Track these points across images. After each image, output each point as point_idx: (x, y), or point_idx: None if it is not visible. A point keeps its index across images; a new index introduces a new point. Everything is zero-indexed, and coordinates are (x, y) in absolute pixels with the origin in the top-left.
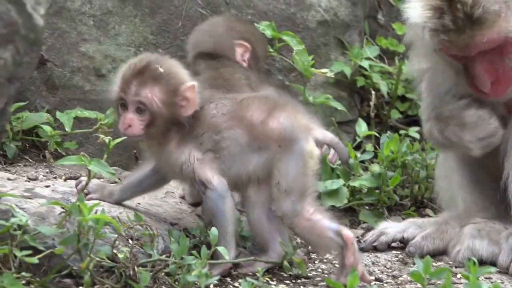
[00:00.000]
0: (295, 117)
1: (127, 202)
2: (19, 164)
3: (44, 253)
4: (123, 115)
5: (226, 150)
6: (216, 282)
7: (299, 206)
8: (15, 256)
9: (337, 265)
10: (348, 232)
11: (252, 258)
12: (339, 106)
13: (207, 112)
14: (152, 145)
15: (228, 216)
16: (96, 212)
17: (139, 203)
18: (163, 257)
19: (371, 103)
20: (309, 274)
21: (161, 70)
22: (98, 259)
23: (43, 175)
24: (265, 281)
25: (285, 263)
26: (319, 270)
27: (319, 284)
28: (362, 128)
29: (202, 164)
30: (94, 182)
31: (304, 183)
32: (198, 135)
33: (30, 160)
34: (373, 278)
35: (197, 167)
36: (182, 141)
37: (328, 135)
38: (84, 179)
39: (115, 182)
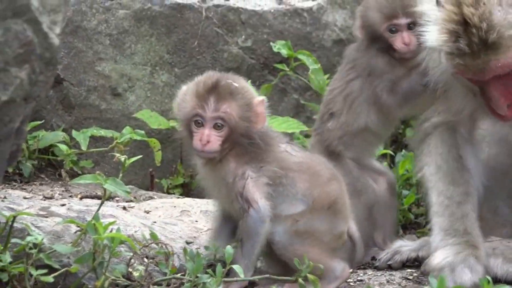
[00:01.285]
0: (345, 193)
1: (143, 220)
2: (35, 182)
3: (59, 272)
4: (199, 131)
5: (283, 187)
6: None
7: None
8: (31, 275)
9: (351, 284)
10: None
11: (267, 275)
12: None
13: (275, 146)
14: (210, 163)
15: (261, 239)
16: (111, 231)
17: (154, 222)
18: (178, 275)
19: None
20: None
21: (236, 85)
22: (113, 277)
23: (59, 194)
24: None
25: (300, 281)
26: None
27: None
28: None
29: (255, 183)
30: None
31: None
32: (260, 160)
33: (46, 178)
34: None
35: (249, 184)
36: (240, 160)
37: (356, 232)
38: None
39: (131, 201)
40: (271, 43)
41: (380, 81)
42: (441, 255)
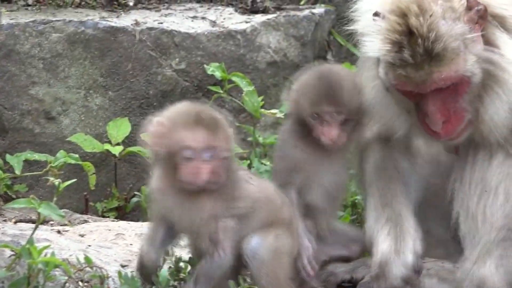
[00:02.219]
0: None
1: (78, 244)
2: None
3: None
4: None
5: (248, 220)
6: None
7: None
8: None
9: None
10: None
11: None
12: None
13: (240, 177)
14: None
15: (214, 282)
16: (46, 255)
17: (89, 245)
18: None
19: None
20: None
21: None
22: None
23: None
24: None
25: None
26: None
27: None
28: None
29: (225, 229)
30: None
31: None
32: (231, 198)
33: None
34: None
35: (219, 229)
36: (214, 195)
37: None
38: None
39: (65, 225)
40: (205, 66)
41: None
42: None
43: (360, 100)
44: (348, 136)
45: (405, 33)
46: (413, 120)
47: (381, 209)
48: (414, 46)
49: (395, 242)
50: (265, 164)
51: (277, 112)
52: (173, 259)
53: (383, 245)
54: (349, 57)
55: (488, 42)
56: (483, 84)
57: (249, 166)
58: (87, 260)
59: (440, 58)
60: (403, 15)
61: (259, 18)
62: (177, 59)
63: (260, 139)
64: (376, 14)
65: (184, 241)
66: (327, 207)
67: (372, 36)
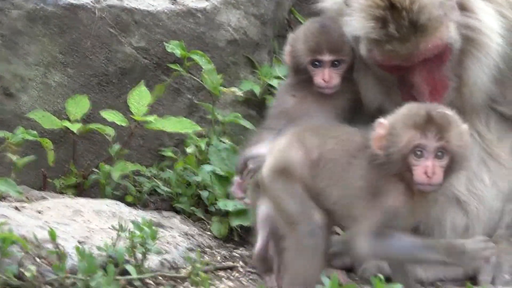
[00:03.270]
0: None
1: (35, 221)
2: None
3: None
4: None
5: None
6: None
7: None
8: None
9: (244, 282)
10: None
11: (159, 273)
12: (248, 125)
13: None
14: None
15: None
16: (3, 231)
17: (47, 222)
18: (71, 275)
19: None
20: None
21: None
22: (5, 277)
23: None
24: None
25: (193, 278)
26: (227, 287)
27: None
28: None
29: None
30: None
31: None
32: None
33: None
34: None
35: None
36: None
37: None
38: None
39: (23, 201)
40: (165, 43)
41: None
42: None
43: (349, 43)
44: (342, 80)
45: (388, 8)
46: (391, 95)
47: None
48: (399, 20)
49: None
50: (224, 142)
51: (236, 90)
52: (129, 235)
53: None
54: None
55: (463, 7)
56: (463, 50)
57: (208, 144)
58: (52, 234)
59: (425, 28)
60: None
61: None
62: (136, 37)
63: (219, 117)
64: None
65: None
66: None
67: (355, 14)
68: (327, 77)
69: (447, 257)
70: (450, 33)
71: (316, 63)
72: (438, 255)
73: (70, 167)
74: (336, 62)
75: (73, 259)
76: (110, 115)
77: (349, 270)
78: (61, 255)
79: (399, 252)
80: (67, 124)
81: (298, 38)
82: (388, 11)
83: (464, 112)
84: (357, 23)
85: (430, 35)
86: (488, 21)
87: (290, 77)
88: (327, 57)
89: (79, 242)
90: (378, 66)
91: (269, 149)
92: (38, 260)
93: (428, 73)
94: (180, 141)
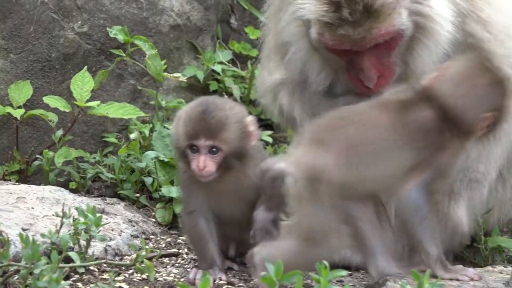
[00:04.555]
0: None
1: None
2: None
3: None
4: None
5: None
6: (68, 287)
7: None
8: None
9: (188, 269)
10: None
11: (103, 261)
12: None
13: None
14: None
15: None
16: None
17: None
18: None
19: None
20: (160, 279)
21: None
22: None
23: None
24: (117, 285)
25: (138, 265)
26: (172, 274)
27: (174, 287)
28: None
29: None
30: None
31: None
32: None
33: None
34: (225, 282)
35: None
36: None
37: None
38: None
39: None
40: (108, 29)
41: None
42: None
43: (240, 136)
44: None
45: None
46: (338, 79)
47: None
48: (352, 4)
49: None
50: (167, 128)
51: (179, 76)
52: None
53: None
54: (253, 21)
55: None
56: (413, 37)
57: (152, 130)
58: None
59: (378, 14)
60: None
61: None
62: (79, 22)
63: (163, 103)
64: None
65: None
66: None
67: None
68: (201, 164)
69: None
70: (402, 19)
71: (194, 147)
72: None
73: (13, 154)
74: (214, 149)
75: (16, 247)
76: (53, 101)
77: None
78: (5, 243)
79: None
80: (9, 110)
81: (180, 120)
82: None
83: None
84: (309, 6)
85: (382, 21)
86: (439, 8)
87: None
88: (203, 143)
89: (23, 229)
90: (328, 49)
91: (290, 163)
92: None
93: (377, 59)
94: (123, 127)
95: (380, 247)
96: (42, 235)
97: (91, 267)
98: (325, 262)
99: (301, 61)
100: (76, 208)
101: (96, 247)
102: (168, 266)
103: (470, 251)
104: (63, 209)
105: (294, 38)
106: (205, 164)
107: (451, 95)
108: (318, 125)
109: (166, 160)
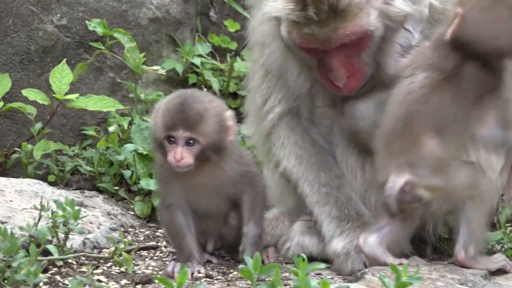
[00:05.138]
0: None
1: None
2: None
3: None
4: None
5: None
6: (46, 280)
7: None
8: None
9: (167, 262)
10: None
11: (81, 254)
12: None
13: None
14: None
15: None
16: None
17: None
18: None
19: None
20: (138, 271)
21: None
22: None
23: None
24: (95, 278)
25: (116, 258)
26: (150, 267)
27: (152, 280)
28: None
29: None
30: None
31: None
32: None
33: None
34: (203, 275)
35: None
36: None
37: None
38: None
39: None
40: (87, 22)
41: None
42: (340, 243)
43: (218, 129)
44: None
45: None
46: (314, 77)
47: (321, 194)
48: (319, 4)
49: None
50: (146, 121)
51: (158, 69)
52: (51, 215)
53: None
54: (232, 14)
55: None
56: (384, 38)
57: (131, 123)
58: None
59: (345, 14)
60: None
61: None
62: (58, 15)
63: (142, 96)
64: None
65: None
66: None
67: None
68: (178, 156)
69: None
70: (371, 20)
71: (171, 139)
72: None
73: None
74: (191, 141)
75: None
76: (32, 94)
77: None
78: None
79: None
80: None
81: (158, 112)
82: None
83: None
84: (277, 4)
85: (349, 21)
86: (408, 10)
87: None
88: (180, 134)
89: (1, 222)
90: (298, 47)
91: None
92: None
93: (346, 59)
94: (102, 120)
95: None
96: (21, 228)
97: (70, 260)
98: (303, 255)
99: (279, 62)
100: (55, 201)
101: (75, 240)
102: (146, 259)
103: (448, 244)
104: (41, 202)
105: (268, 38)
106: (182, 155)
107: (479, 28)
108: (391, 131)
109: (145, 153)
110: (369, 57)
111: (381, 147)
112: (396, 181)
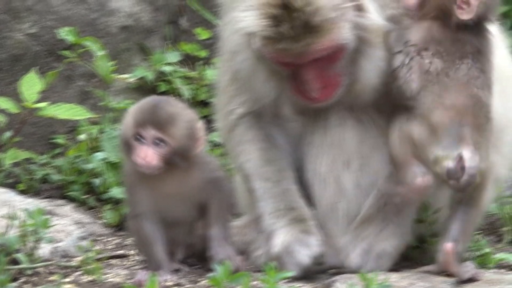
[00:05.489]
0: None
1: None
2: None
3: None
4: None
5: None
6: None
7: None
8: None
9: (137, 271)
10: None
11: (51, 263)
12: None
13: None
14: None
15: None
16: None
17: None
18: None
19: None
20: (108, 280)
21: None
22: None
23: None
24: (65, 287)
25: (85, 267)
26: (120, 276)
27: None
28: None
29: None
30: None
31: None
32: None
33: None
34: (172, 283)
35: None
36: None
37: None
38: None
39: None
40: (57, 30)
41: None
42: (277, 240)
43: (188, 135)
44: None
45: (283, 7)
46: (285, 88)
47: (274, 199)
48: (293, 20)
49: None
50: (116, 129)
51: (129, 77)
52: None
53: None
54: (202, 22)
55: (358, 8)
56: (357, 49)
57: (101, 131)
58: None
59: (319, 29)
60: None
61: None
62: (28, 23)
63: (112, 104)
64: None
65: None
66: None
67: (248, 11)
68: (144, 154)
69: None
70: (344, 34)
71: (139, 137)
72: None
73: None
74: (158, 141)
75: None
76: (1, 102)
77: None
78: None
79: None
80: None
81: (130, 112)
82: (283, 10)
83: (353, 108)
84: (251, 20)
85: (323, 36)
86: (381, 21)
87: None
88: (149, 133)
89: None
90: (271, 61)
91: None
92: None
93: (320, 71)
94: (72, 128)
95: None
96: None
97: (39, 269)
98: (273, 263)
99: (247, 72)
100: (25, 210)
101: (44, 249)
102: (116, 268)
103: (418, 252)
104: (11, 211)
105: (239, 48)
106: (149, 155)
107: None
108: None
109: (114, 161)
110: (343, 68)
111: (447, 124)
112: (475, 157)
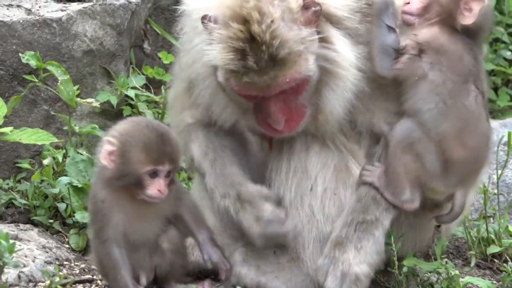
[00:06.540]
0: None
1: None
2: None
3: None
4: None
5: None
6: None
7: None
8: None
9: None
10: None
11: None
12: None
13: None
14: None
15: None
16: None
17: None
18: None
19: None
20: None
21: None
22: None
23: None
24: None
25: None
26: None
27: None
28: None
29: None
30: None
31: None
32: None
33: None
34: None
35: None
36: None
37: None
38: None
39: None
40: (20, 54)
41: None
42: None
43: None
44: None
45: (248, 40)
46: (249, 119)
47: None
48: (258, 53)
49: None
50: (81, 154)
51: (93, 101)
52: None
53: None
54: (166, 46)
55: (322, 39)
56: (321, 80)
57: (65, 156)
58: None
59: (284, 62)
60: (244, 21)
61: (75, 6)
62: None
63: (76, 128)
64: (204, 17)
65: None
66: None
67: (213, 44)
68: (163, 189)
69: None
70: (309, 66)
71: (155, 173)
72: None
73: None
74: (170, 172)
75: None
76: None
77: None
78: None
79: None
80: None
81: (133, 145)
82: (248, 44)
83: (316, 137)
84: (216, 53)
85: (288, 68)
86: (345, 53)
87: (107, 179)
88: (166, 168)
89: None
90: (235, 93)
91: None
92: None
93: (285, 103)
94: (37, 152)
95: None
96: None
97: None
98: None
99: (208, 98)
100: None
101: (10, 274)
102: (76, 284)
103: (384, 276)
104: None
105: (201, 77)
106: (163, 187)
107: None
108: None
109: (79, 186)
110: (307, 99)
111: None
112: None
